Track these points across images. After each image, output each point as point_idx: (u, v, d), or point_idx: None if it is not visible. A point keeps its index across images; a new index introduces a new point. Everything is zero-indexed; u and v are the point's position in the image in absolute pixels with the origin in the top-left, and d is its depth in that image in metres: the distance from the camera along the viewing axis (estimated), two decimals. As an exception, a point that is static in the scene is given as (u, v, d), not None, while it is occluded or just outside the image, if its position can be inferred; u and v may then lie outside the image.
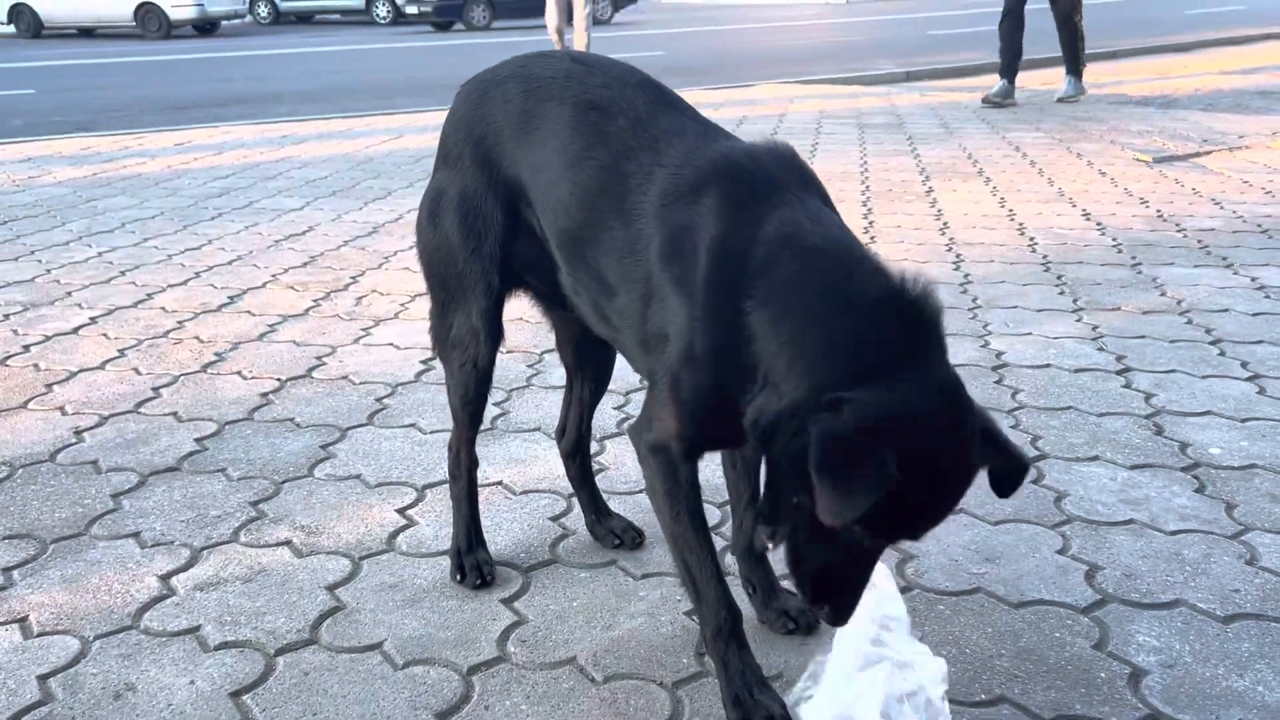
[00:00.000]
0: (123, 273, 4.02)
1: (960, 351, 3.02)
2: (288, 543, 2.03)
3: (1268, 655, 1.64)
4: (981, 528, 2.05)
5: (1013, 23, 8.45)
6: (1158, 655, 1.64)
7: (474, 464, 1.90)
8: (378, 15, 25.97)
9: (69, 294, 3.75)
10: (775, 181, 1.42)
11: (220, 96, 11.52)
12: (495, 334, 1.76)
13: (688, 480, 1.47)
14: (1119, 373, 2.86)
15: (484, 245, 1.70)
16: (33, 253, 4.35)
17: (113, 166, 6.48)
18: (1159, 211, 4.69)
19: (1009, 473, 1.34)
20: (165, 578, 1.91)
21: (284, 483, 2.29)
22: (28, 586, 1.89)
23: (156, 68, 15.50)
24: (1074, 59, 8.62)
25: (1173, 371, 2.86)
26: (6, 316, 3.50)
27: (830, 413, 1.21)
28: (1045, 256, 4.02)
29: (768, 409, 1.30)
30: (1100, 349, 3.04)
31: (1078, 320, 3.30)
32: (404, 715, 1.53)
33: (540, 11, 11.83)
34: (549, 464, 2.32)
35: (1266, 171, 5.57)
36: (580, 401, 1.98)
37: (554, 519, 2.11)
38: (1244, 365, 2.90)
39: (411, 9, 23.33)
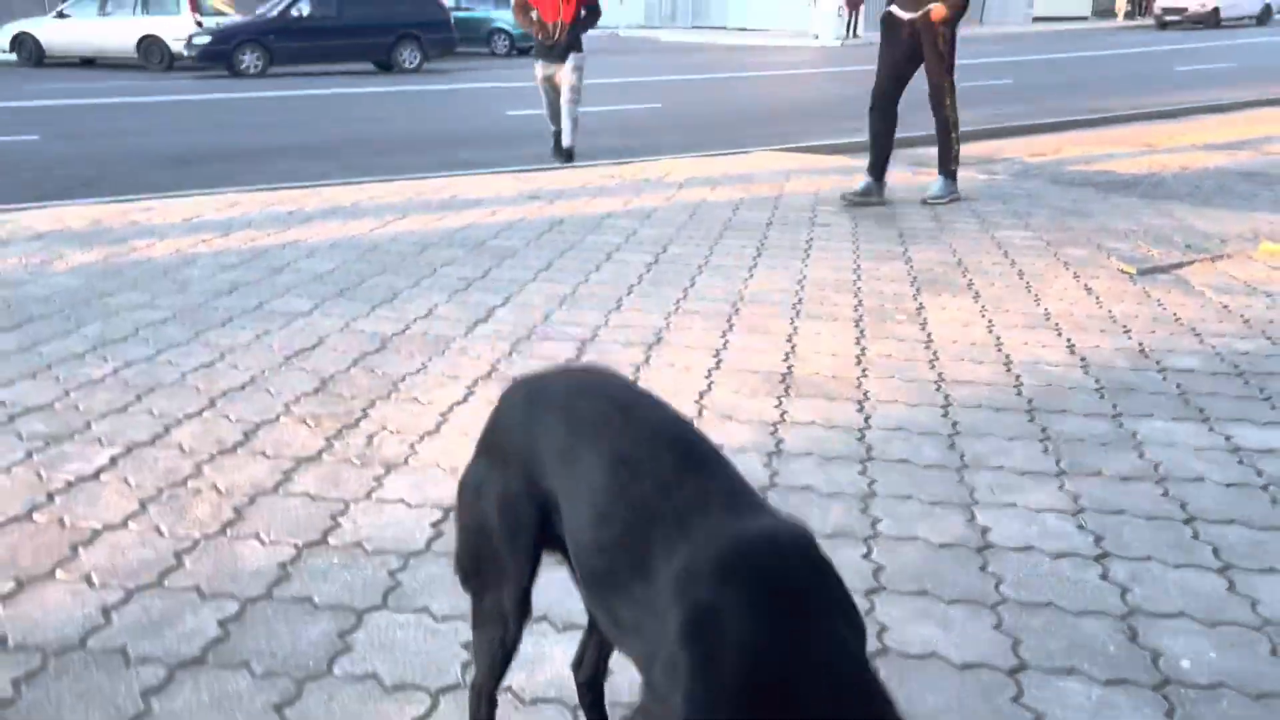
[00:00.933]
0: (139, 397, 4.15)
1: (947, 528, 3.17)
2: (311, 761, 2.15)
3: None
4: (964, 759, 2.19)
5: (879, 119, 7.98)
6: None
7: (494, 708, 2.03)
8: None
9: (89, 424, 3.88)
10: (790, 587, 1.51)
11: (223, 149, 11.68)
12: (523, 614, 1.90)
13: None
14: (1097, 558, 3.01)
15: (519, 539, 1.85)
16: (50, 367, 4.47)
17: (122, 250, 6.61)
18: (1141, 345, 4.86)
19: None
20: (197, 803, 2.03)
21: (305, 681, 2.42)
22: (67, 810, 2.01)
23: (159, 111, 15.66)
24: (944, 155, 8.03)
25: (1148, 559, 3.01)
26: (30, 454, 3.62)
27: None
28: (1030, 401, 4.18)
29: None
30: (1080, 526, 3.19)
31: (1060, 488, 3.45)
32: None
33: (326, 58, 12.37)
34: (556, 666, 2.45)
35: (1245, 291, 5.75)
36: (601, 643, 2.11)
37: (562, 736, 2.24)
38: (1216, 553, 3.05)
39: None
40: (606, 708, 2.18)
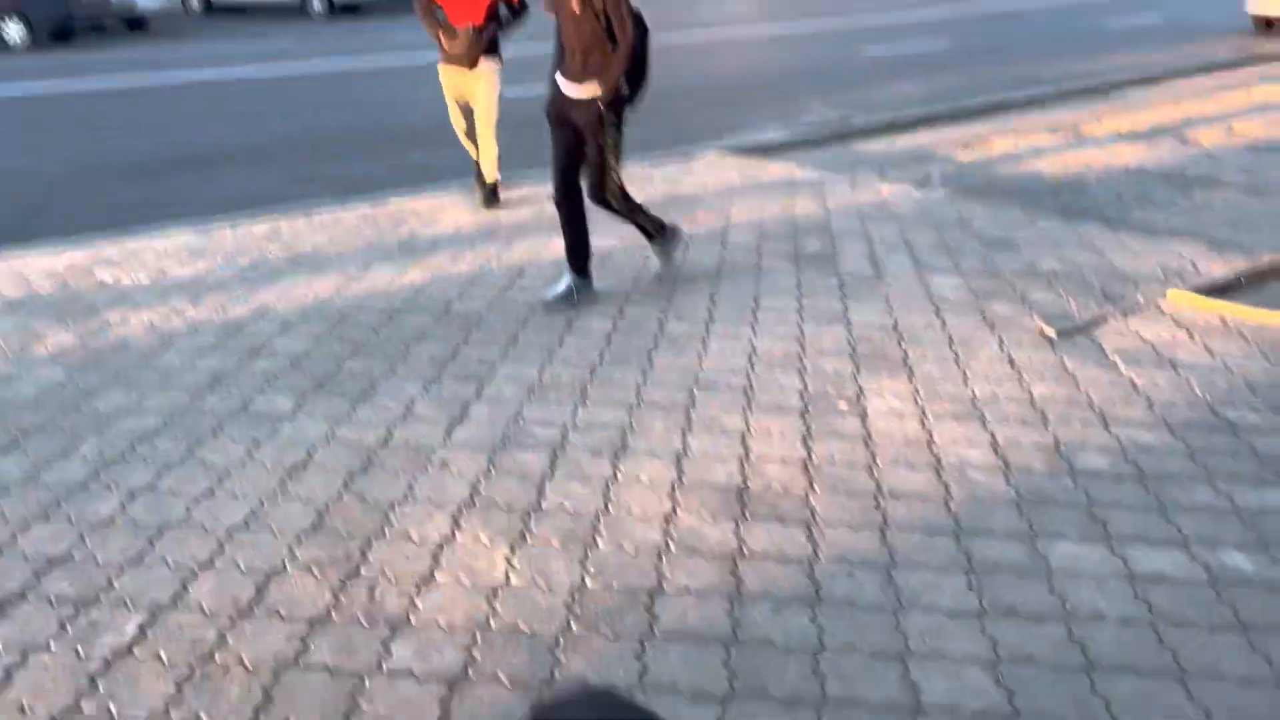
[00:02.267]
0: (150, 542, 4.51)
1: (883, 688, 3.70)
2: None
3: None
4: None
5: (568, 208, 6.96)
6: None
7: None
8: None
9: (110, 582, 4.24)
10: None
11: (173, 155, 11.71)
12: None
13: None
14: (1006, 718, 3.57)
15: None
16: (59, 503, 4.80)
17: (95, 327, 6.84)
18: (1056, 440, 5.42)
19: None
20: None
21: None
22: None
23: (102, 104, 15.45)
24: (646, 229, 7.40)
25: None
26: (64, 626, 3.99)
27: None
28: (957, 520, 4.72)
29: None
30: (997, 681, 3.75)
31: (982, 631, 4.00)
32: None
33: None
34: None
35: (1153, 361, 6.33)
36: None
37: None
38: (1108, 707, 3.63)
39: None
40: None
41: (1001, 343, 6.64)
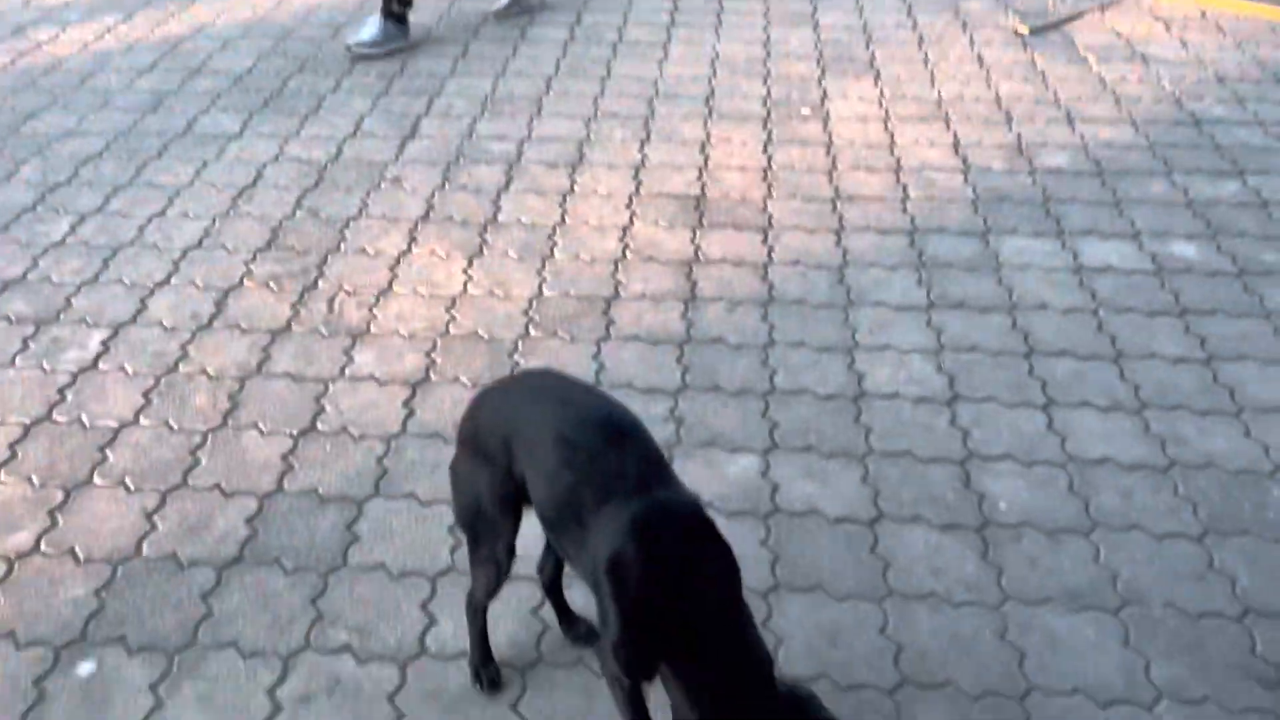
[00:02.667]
0: (105, 263, 4.50)
1: (830, 378, 3.84)
2: (348, 647, 2.88)
3: (994, 730, 2.66)
4: (830, 607, 2.99)
5: None
6: (928, 734, 2.65)
7: (485, 614, 2.74)
8: None
9: (69, 301, 4.27)
10: (679, 543, 2.16)
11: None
12: (511, 557, 2.56)
13: (630, 689, 2.35)
14: (948, 403, 3.73)
15: (506, 511, 2.47)
16: (7, 227, 4.74)
17: (26, 46, 6.51)
18: (1019, 137, 5.35)
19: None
20: (270, 692, 2.76)
21: (328, 574, 3.10)
22: (175, 706, 2.72)
23: None
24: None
25: (989, 400, 3.74)
26: (26, 344, 4.04)
27: None
28: (913, 220, 4.73)
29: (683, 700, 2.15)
30: (939, 368, 3.89)
31: (928, 323, 4.11)
32: (463, 818, 2.47)
33: None
34: (526, 541, 3.16)
35: (1124, 56, 6.16)
36: (557, 557, 2.80)
37: (533, 611, 2.99)
38: (1044, 388, 3.79)
39: None
40: (565, 598, 2.91)
41: (973, 41, 6.42)
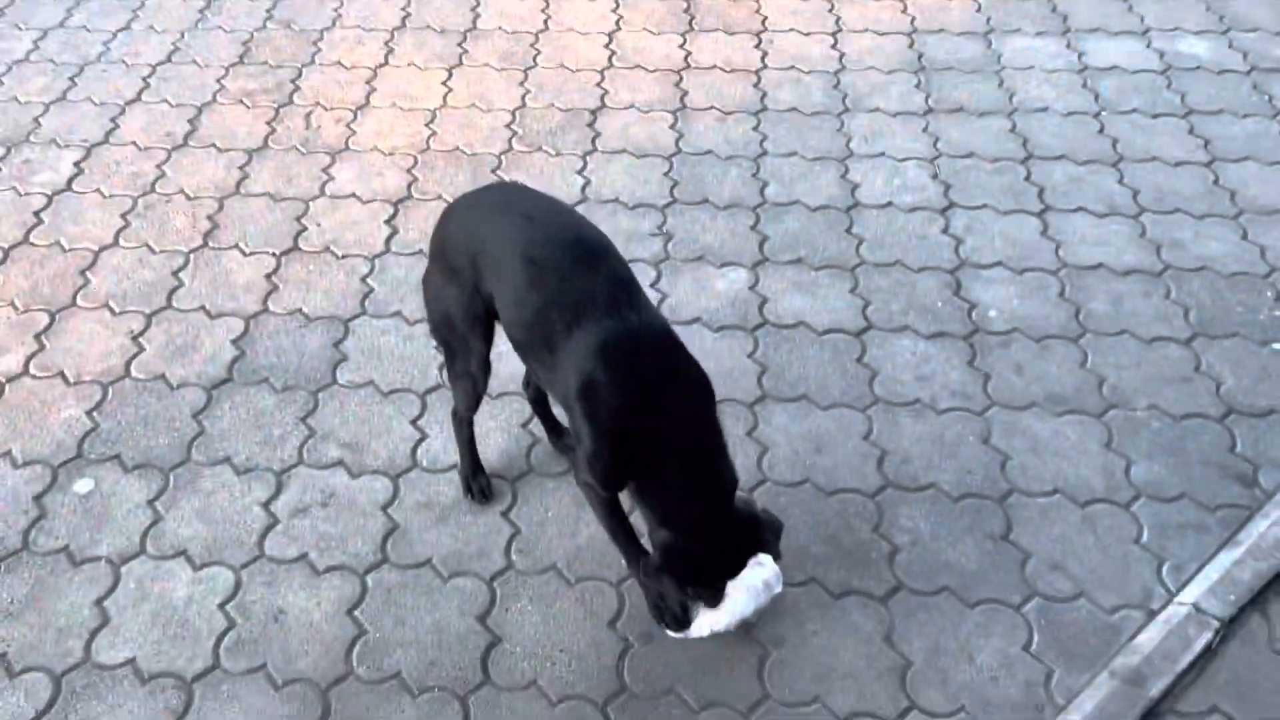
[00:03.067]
0: (72, 80, 4.34)
1: (823, 188, 3.75)
2: (340, 463, 2.92)
3: (974, 530, 2.71)
4: (815, 416, 3.01)
5: None
6: (909, 535, 2.70)
7: (472, 427, 2.76)
8: None
9: (37, 122, 4.13)
10: (648, 365, 2.18)
11: None
12: (486, 372, 2.56)
13: (607, 500, 2.39)
14: (943, 211, 3.65)
15: (475, 326, 2.45)
16: (-32, 46, 4.55)
17: None
18: (1027, -70, 5.05)
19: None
20: (266, 506, 2.82)
21: (318, 392, 3.11)
22: (174, 520, 2.78)
23: None
24: None
25: (984, 207, 3.66)
26: (-3, 166, 3.94)
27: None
28: (913, 20, 4.53)
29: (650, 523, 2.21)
30: (934, 175, 3.79)
31: (924, 129, 3.99)
32: (457, 620, 2.55)
33: None
34: (514, 362, 3.16)
35: None
36: None
37: (523, 425, 3.01)
38: (1040, 194, 3.70)
39: None
40: (552, 411, 2.92)
41: None
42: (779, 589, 2.38)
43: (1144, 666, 2.34)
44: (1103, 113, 4.03)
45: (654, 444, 2.19)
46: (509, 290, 2.30)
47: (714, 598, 2.30)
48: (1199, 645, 2.37)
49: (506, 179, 3.83)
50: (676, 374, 2.24)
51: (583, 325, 2.19)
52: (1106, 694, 2.30)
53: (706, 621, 2.43)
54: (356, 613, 2.55)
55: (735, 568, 2.25)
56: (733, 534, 2.24)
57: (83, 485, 2.85)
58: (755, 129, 4.02)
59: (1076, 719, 2.26)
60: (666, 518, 2.21)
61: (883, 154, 3.88)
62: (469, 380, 2.59)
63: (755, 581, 2.32)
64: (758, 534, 2.27)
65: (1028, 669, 2.38)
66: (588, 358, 2.17)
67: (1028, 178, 3.76)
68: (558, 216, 2.36)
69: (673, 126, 4.05)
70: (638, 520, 2.41)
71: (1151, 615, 2.47)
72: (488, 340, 2.51)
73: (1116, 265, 3.42)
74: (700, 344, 3.16)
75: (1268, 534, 2.59)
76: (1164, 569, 2.57)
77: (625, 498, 2.37)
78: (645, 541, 2.39)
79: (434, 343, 2.63)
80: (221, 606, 2.57)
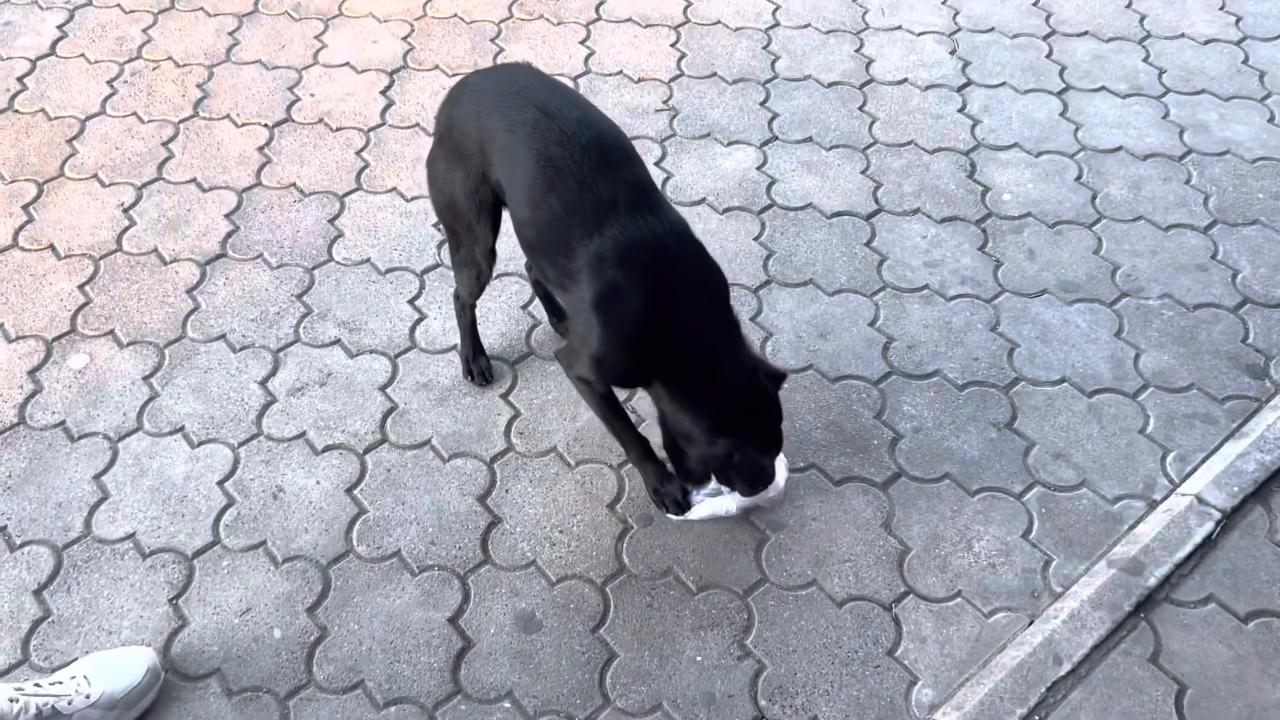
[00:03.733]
0: (52, -63, 4.14)
1: (836, 63, 3.61)
2: (338, 342, 2.87)
3: (977, 418, 2.68)
4: (821, 301, 2.95)
5: None
6: (912, 422, 2.68)
7: (474, 310, 2.71)
8: None
9: (16, -18, 3.96)
10: (670, 269, 2.11)
11: None
12: (491, 261, 2.49)
13: (603, 394, 2.35)
14: (960, 89, 3.52)
15: (482, 214, 2.37)
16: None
17: None
18: None
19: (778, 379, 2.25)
20: (263, 383, 2.79)
21: (314, 269, 3.05)
22: (170, 397, 2.75)
23: None
24: None
25: (1002, 85, 3.53)
26: (-23, 29, 3.79)
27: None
28: (936, -117, 4.29)
29: (680, 418, 2.17)
30: (952, 51, 3.64)
31: (944, 2, 3.82)
32: (457, 500, 2.55)
33: None
34: (510, 244, 3.08)
35: None
36: None
37: (524, 307, 2.96)
38: (1062, 73, 3.56)
39: None
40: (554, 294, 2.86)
41: None
42: (785, 476, 2.38)
43: (1142, 556, 2.34)
44: (1131, -13, 3.85)
45: (673, 348, 2.13)
46: (522, 189, 2.21)
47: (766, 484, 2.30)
48: (1199, 536, 2.36)
49: (507, 50, 3.68)
50: (697, 276, 2.17)
51: (603, 231, 2.10)
52: (1103, 582, 2.30)
53: (708, 506, 2.43)
54: (356, 492, 2.55)
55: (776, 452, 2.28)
56: (770, 424, 2.23)
57: (77, 360, 2.82)
58: (767, -1, 3.85)
59: (1072, 606, 2.27)
60: (699, 416, 2.16)
61: (899, 27, 3.73)
62: (473, 268, 2.53)
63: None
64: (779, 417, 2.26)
65: (1026, 557, 2.38)
66: (609, 264, 2.09)
67: (1049, 55, 3.61)
68: (575, 111, 2.23)
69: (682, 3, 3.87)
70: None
71: (1153, 506, 2.46)
72: (494, 228, 2.44)
73: (1137, 148, 3.31)
74: (705, 225, 3.08)
75: (1275, 426, 2.56)
76: (1168, 460, 2.55)
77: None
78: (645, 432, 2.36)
79: (437, 224, 2.55)
80: (220, 484, 2.56)
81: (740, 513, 2.43)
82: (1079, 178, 3.24)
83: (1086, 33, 3.68)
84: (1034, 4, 3.79)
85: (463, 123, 2.33)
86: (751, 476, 2.25)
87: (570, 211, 2.14)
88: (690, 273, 2.16)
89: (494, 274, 2.88)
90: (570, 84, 3.52)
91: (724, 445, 2.16)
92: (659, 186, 2.23)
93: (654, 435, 2.37)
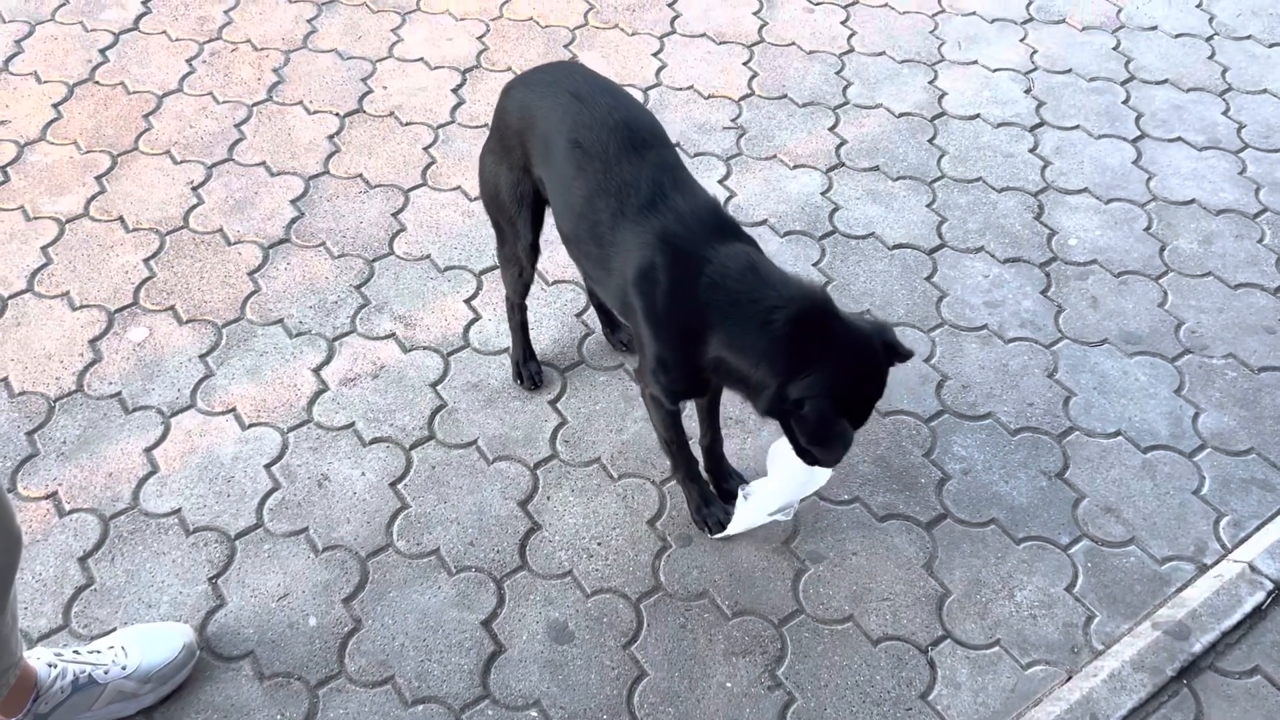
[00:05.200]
0: (143, -85, 4.21)
1: (909, 94, 3.58)
2: (392, 335, 2.89)
3: (1028, 465, 2.65)
4: (878, 332, 2.92)
5: None
6: (961, 463, 2.65)
7: (524, 312, 2.72)
8: None
9: (106, -44, 4.04)
10: (704, 243, 2.05)
11: None
12: (534, 258, 2.50)
13: (670, 412, 2.33)
14: (1032, 129, 3.48)
15: (523, 209, 2.39)
16: None
17: None
18: None
19: (902, 359, 2.09)
20: (316, 371, 2.81)
21: (374, 261, 3.07)
22: (224, 377, 2.78)
23: None
24: None
25: (1076, 128, 3.48)
26: (65, -1, 3.87)
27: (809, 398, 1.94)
28: (1023, -81, 4.25)
29: (753, 382, 2.05)
30: (1027, 90, 3.61)
31: (1023, 39, 3.78)
32: (499, 503, 2.55)
33: None
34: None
35: None
36: None
37: (578, 315, 2.96)
38: (1138, 120, 3.51)
39: None
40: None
41: None
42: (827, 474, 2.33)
43: (1189, 620, 2.29)
44: (1215, 36, 3.79)
45: (727, 295, 2.02)
46: (555, 175, 2.22)
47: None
48: (1249, 605, 2.31)
49: (580, 57, 3.69)
50: (737, 241, 2.12)
51: (631, 217, 2.10)
52: (1147, 644, 2.26)
53: (743, 518, 2.41)
54: (400, 486, 2.56)
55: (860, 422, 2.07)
56: (865, 385, 2.05)
57: (137, 333, 2.86)
58: (844, 23, 3.83)
59: (1113, 665, 2.23)
60: (773, 357, 1.97)
61: (975, 62, 3.69)
62: (515, 265, 2.54)
63: (798, 468, 2.23)
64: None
65: (1068, 611, 2.34)
66: (642, 246, 2.08)
67: (1126, 101, 3.56)
68: (606, 96, 2.24)
69: (757, 13, 3.87)
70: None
71: (1203, 570, 2.41)
72: (536, 225, 2.45)
73: (1210, 203, 3.25)
74: (766, 247, 3.00)
75: (1335, 499, 2.50)
76: (1221, 524, 2.50)
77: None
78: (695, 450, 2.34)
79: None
80: (267, 467, 2.59)
81: (781, 515, 2.40)
82: (1148, 228, 3.19)
83: (1166, 81, 3.63)
84: (1114, 48, 3.74)
85: (508, 116, 2.35)
86: (816, 430, 1.99)
87: (596, 193, 2.14)
88: (717, 242, 2.07)
89: (549, 279, 2.90)
90: (640, 96, 3.53)
91: (799, 388, 1.95)
92: (721, 203, 2.21)
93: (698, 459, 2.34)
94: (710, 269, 2.05)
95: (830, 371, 1.97)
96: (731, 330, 2.03)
